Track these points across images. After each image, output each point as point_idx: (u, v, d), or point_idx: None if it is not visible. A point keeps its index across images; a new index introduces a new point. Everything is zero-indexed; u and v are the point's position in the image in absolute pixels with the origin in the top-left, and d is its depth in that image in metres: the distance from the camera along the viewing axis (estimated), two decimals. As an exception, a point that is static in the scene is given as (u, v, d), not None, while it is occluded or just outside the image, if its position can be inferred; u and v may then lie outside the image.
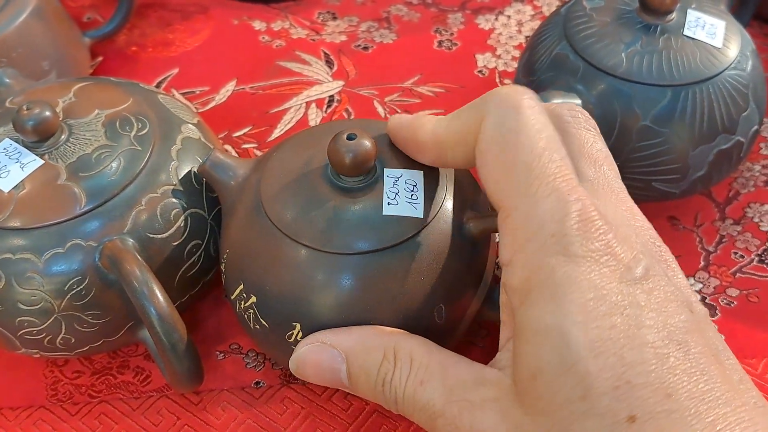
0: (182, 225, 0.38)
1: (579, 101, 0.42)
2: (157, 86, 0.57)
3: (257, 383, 0.41)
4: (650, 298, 0.26)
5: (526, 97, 0.29)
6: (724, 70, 0.42)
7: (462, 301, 0.35)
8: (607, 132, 0.42)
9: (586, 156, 0.31)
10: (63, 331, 0.37)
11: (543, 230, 0.27)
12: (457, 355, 0.31)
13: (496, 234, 0.34)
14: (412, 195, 0.34)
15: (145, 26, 0.63)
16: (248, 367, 0.41)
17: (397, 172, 0.34)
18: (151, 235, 0.37)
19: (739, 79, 0.42)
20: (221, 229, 0.38)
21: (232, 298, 0.36)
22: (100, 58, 0.60)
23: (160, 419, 0.39)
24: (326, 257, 0.33)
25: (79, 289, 0.36)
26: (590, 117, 0.33)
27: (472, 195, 0.36)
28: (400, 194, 0.34)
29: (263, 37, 0.62)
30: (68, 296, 0.36)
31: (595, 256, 0.26)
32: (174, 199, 0.38)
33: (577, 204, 0.27)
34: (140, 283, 0.34)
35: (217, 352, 0.42)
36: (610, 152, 0.33)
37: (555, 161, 0.28)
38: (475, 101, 0.31)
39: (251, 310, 0.35)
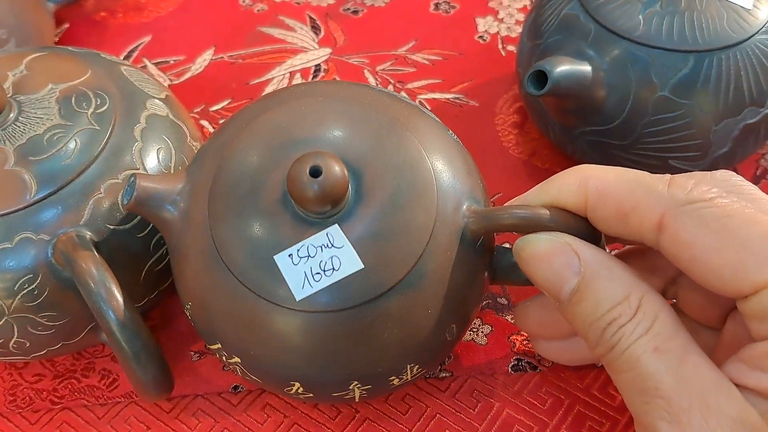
0: (147, 214, 0.34)
1: (589, 68, 0.38)
2: (128, 56, 0.53)
3: (235, 388, 0.37)
4: None
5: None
6: (754, 34, 0.37)
7: (471, 314, 0.32)
8: (619, 104, 0.38)
9: None
10: (15, 334, 0.33)
11: None
12: (699, 348, 0.27)
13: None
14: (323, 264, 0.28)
15: (115, -11, 0.58)
16: (225, 369, 0.38)
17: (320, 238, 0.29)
18: (112, 227, 0.33)
19: (770, 44, 0.38)
20: (172, 267, 0.32)
21: (211, 348, 0.32)
22: (65, 26, 0.56)
23: (128, 429, 0.36)
24: (314, 318, 0.28)
25: (30, 288, 0.32)
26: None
27: (468, 186, 0.31)
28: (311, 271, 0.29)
29: (244, 1, 0.57)
30: (19, 296, 0.32)
31: None
32: (138, 186, 0.34)
33: None
34: (97, 283, 0.31)
35: (192, 353, 0.38)
36: None
37: None
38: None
39: (237, 367, 0.31)
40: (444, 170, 0.30)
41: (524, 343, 0.38)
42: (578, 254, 0.28)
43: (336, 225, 0.28)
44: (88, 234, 0.33)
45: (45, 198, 0.32)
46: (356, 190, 0.29)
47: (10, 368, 0.38)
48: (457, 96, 0.50)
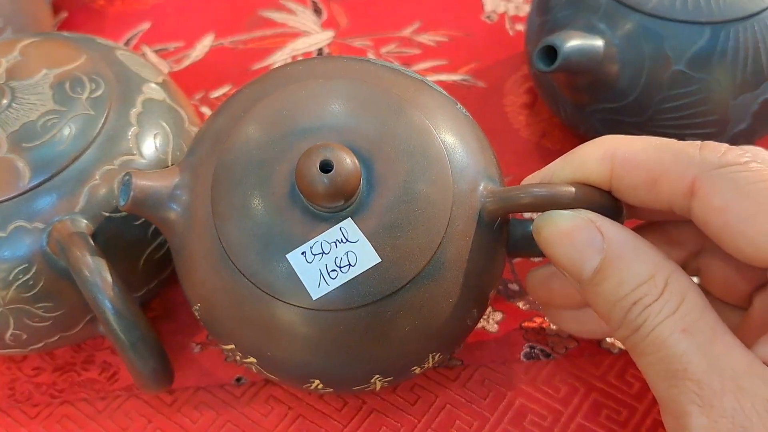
0: (145, 201, 0.33)
1: (601, 43, 0.36)
2: (127, 43, 0.52)
3: (238, 380, 0.36)
4: None
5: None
6: (773, 4, 0.36)
7: (490, 295, 0.30)
8: (633, 79, 0.37)
9: None
10: (11, 326, 0.32)
11: None
12: (728, 328, 0.26)
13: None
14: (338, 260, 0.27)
15: (114, -24, 0.57)
16: (228, 360, 0.37)
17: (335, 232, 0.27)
18: (108, 214, 0.32)
19: (790, 15, 0.36)
20: (177, 268, 0.31)
21: (224, 348, 0.31)
22: (64, 14, 0.54)
23: (129, 422, 0.35)
24: (333, 317, 0.27)
25: (25, 278, 0.31)
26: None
27: (483, 165, 0.30)
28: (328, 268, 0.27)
29: (244, -16, 0.56)
30: (14, 287, 0.31)
31: None
32: (135, 171, 0.33)
33: None
34: (92, 272, 0.30)
35: (193, 344, 0.37)
36: None
37: None
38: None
39: (253, 366, 0.30)
40: (457, 150, 0.29)
41: (537, 330, 0.37)
42: (601, 231, 0.26)
43: (349, 219, 0.27)
44: (84, 222, 0.31)
45: (39, 185, 0.31)
46: (368, 180, 0.27)
47: (9, 362, 0.37)
48: (464, 77, 0.48)
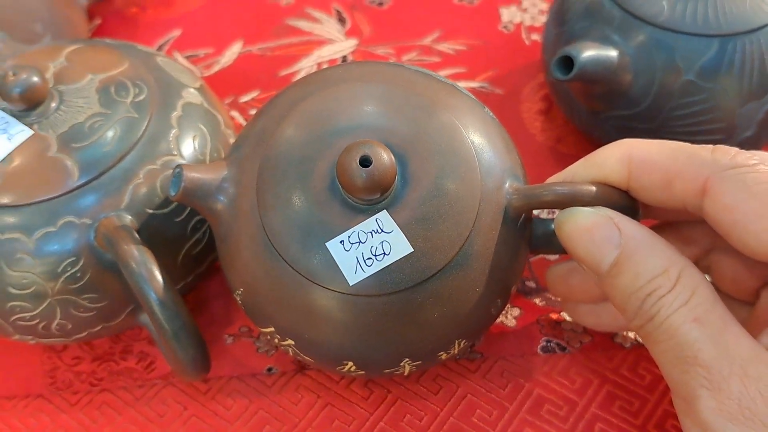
0: (184, 199, 0.35)
1: (615, 53, 0.38)
2: (159, 49, 0.54)
3: (269, 370, 0.38)
4: None
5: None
6: (778, 18, 0.38)
7: (512, 285, 0.32)
8: (645, 88, 0.39)
9: None
10: (58, 316, 0.34)
11: None
12: (736, 320, 0.27)
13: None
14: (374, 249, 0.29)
15: (145, -15, 0.59)
16: (260, 351, 0.38)
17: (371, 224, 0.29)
18: (151, 211, 0.34)
19: (793, 28, 0.38)
20: (221, 255, 0.33)
21: (263, 331, 0.33)
22: (98, 21, 0.56)
23: (166, 409, 0.37)
24: (367, 302, 0.29)
25: (73, 270, 0.33)
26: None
27: (509, 163, 0.32)
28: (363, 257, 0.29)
29: (270, -5, 0.58)
30: (62, 279, 0.33)
31: None
32: (175, 171, 0.35)
33: None
34: (138, 264, 0.32)
35: (226, 336, 0.39)
36: None
37: None
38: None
39: (290, 349, 0.32)
40: (485, 150, 0.31)
41: (553, 325, 0.38)
42: (619, 228, 0.28)
43: (384, 211, 0.29)
44: (128, 218, 0.33)
45: (86, 183, 0.33)
46: (402, 176, 0.29)
47: (49, 351, 0.39)
48: (482, 84, 0.50)
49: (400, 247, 0.29)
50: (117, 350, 0.39)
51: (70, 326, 0.35)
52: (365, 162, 0.28)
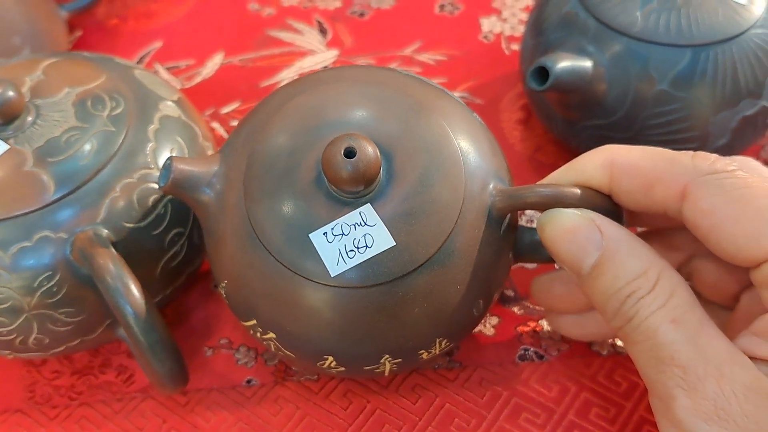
0: (162, 212, 0.35)
1: (590, 64, 0.39)
2: (140, 61, 0.54)
3: (249, 381, 0.38)
4: None
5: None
6: (749, 28, 0.38)
7: (495, 290, 0.33)
8: (620, 98, 0.39)
9: None
10: (35, 330, 0.34)
11: None
12: (713, 322, 0.28)
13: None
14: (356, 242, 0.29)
15: (126, -4, 0.59)
16: (239, 363, 0.38)
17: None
18: (128, 225, 0.34)
19: (765, 38, 0.38)
20: (207, 247, 0.33)
21: (245, 324, 0.33)
22: (78, 33, 0.57)
23: (145, 423, 0.37)
24: (348, 293, 0.29)
25: (50, 285, 0.33)
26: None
27: (494, 165, 0.32)
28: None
29: (252, 5, 0.58)
30: (38, 293, 0.33)
31: None
32: (152, 184, 0.35)
33: None
34: (114, 278, 0.32)
35: (206, 348, 0.39)
36: None
37: None
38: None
39: (271, 342, 0.32)
40: (470, 151, 0.31)
41: (531, 333, 0.39)
42: (600, 229, 0.28)
43: (369, 204, 0.29)
44: (105, 231, 0.33)
45: (62, 198, 0.33)
46: (387, 171, 0.30)
47: (28, 365, 0.39)
48: (462, 94, 0.51)
49: (382, 240, 0.29)
50: (96, 364, 0.39)
51: (47, 341, 0.35)
52: (350, 154, 0.28)
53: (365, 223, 0.29)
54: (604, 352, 0.38)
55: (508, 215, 0.32)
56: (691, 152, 0.29)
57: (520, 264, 0.41)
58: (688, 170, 0.28)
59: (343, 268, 0.29)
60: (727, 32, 0.38)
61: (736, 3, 0.39)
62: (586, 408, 0.36)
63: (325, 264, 0.29)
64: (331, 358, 0.31)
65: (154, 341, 0.32)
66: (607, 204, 0.30)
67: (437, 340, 0.31)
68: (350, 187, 0.29)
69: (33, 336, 0.34)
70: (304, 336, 0.31)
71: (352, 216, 0.29)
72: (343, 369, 0.32)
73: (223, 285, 0.32)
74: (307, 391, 0.37)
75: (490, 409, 0.36)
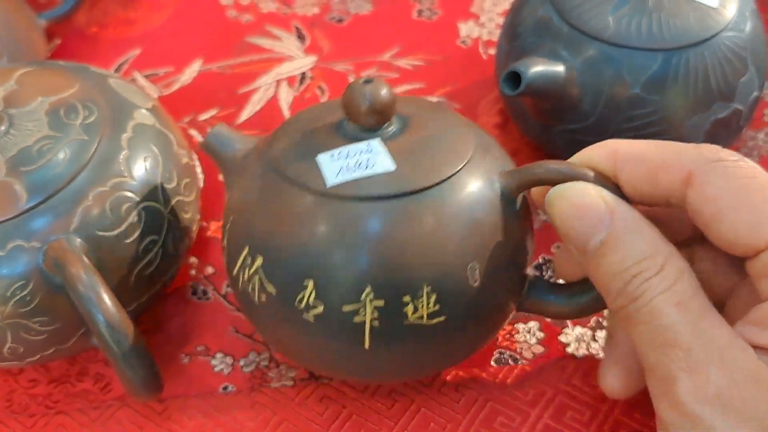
0: (135, 220, 0.35)
1: (562, 68, 0.39)
2: (118, 69, 0.54)
3: (225, 388, 0.38)
4: None
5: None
6: (721, 31, 0.39)
7: (498, 265, 0.32)
8: (594, 102, 0.39)
9: None
10: (9, 340, 0.34)
11: None
12: (715, 309, 0.28)
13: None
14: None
15: (106, 3, 0.59)
16: (215, 370, 0.38)
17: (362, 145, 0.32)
18: (101, 233, 0.34)
19: (736, 41, 0.39)
20: (226, 206, 0.35)
21: (236, 271, 0.33)
22: (57, 41, 0.57)
23: (122, 430, 0.37)
24: (339, 204, 0.30)
25: (23, 294, 0.33)
26: None
27: (500, 159, 0.34)
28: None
29: (231, 12, 0.58)
30: (12, 302, 0.33)
31: None
32: (126, 193, 0.35)
33: None
34: (86, 287, 0.32)
35: (182, 355, 0.39)
36: None
37: None
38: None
39: (256, 276, 0.32)
40: (480, 137, 0.33)
41: (506, 336, 0.39)
42: (611, 208, 0.29)
43: (378, 138, 0.32)
44: (78, 240, 0.33)
45: (36, 206, 0.33)
46: (402, 123, 0.33)
47: (6, 374, 0.39)
48: (440, 99, 0.51)
49: (383, 164, 0.31)
50: (73, 372, 0.39)
51: (22, 350, 0.35)
52: (368, 84, 0.32)
53: (370, 151, 0.32)
54: (580, 355, 0.38)
55: (521, 198, 0.32)
56: (695, 144, 0.30)
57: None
58: (694, 158, 0.29)
59: (340, 180, 0.31)
60: (699, 36, 0.38)
61: (708, 6, 0.39)
62: (561, 411, 0.36)
63: (324, 176, 0.31)
64: (310, 287, 0.31)
65: (127, 350, 0.32)
66: (615, 189, 0.30)
67: (424, 288, 0.30)
68: (366, 116, 0.32)
69: (7, 345, 0.34)
70: (290, 255, 0.31)
71: (360, 144, 0.32)
72: (321, 308, 0.31)
73: (228, 227, 0.34)
74: (283, 397, 0.37)
75: (466, 414, 0.36)
